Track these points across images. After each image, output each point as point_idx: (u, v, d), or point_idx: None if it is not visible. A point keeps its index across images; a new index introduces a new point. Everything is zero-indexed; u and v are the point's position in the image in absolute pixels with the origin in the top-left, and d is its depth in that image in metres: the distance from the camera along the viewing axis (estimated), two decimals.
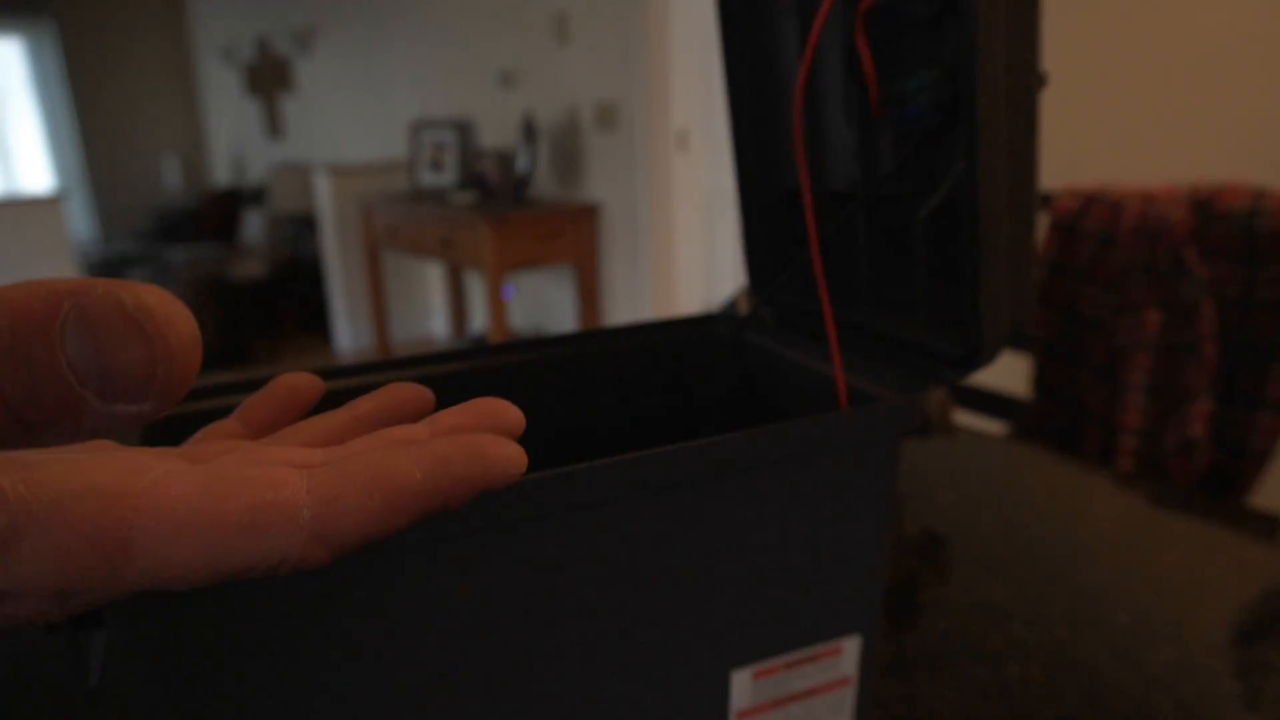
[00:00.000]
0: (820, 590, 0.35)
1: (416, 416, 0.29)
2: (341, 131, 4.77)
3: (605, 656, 0.32)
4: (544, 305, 3.58)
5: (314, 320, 4.59)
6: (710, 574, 0.33)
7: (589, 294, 3.23)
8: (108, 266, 5.01)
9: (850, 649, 0.37)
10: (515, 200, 3.26)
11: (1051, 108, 1.88)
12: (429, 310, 4.37)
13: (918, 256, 0.36)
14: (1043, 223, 1.14)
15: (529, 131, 3.18)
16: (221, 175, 6.49)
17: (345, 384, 0.41)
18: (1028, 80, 0.30)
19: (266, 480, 0.18)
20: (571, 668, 0.31)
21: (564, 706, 0.32)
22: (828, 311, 0.36)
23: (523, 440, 0.45)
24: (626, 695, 0.33)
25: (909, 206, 0.36)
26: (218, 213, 5.63)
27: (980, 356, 0.33)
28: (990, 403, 1.24)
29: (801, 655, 0.36)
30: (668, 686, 0.34)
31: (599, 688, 0.33)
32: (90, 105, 6.20)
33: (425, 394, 0.29)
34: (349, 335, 4.12)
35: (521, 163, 3.22)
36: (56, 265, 3.31)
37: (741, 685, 0.35)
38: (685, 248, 3.13)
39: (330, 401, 0.40)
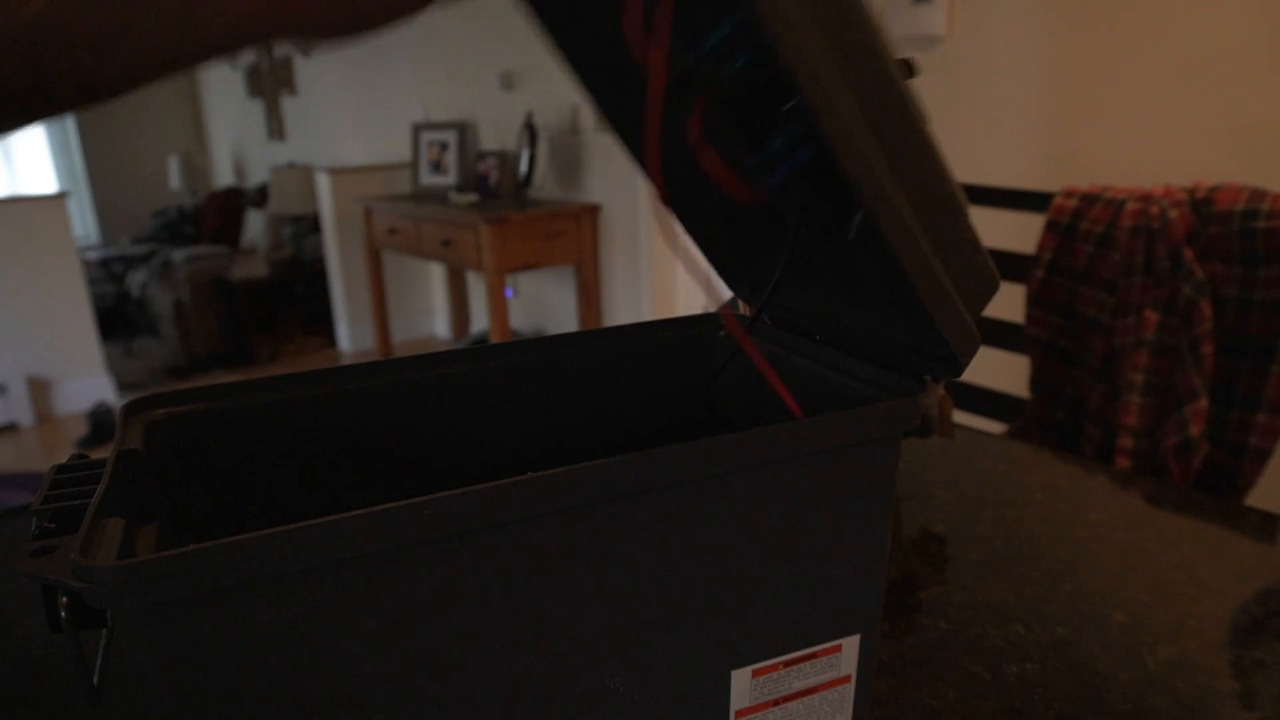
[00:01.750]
0: (820, 590, 0.35)
1: None
2: (343, 133, 4.77)
3: (606, 654, 0.32)
4: (544, 306, 3.58)
5: (316, 321, 4.59)
6: (710, 573, 0.33)
7: (589, 294, 3.24)
8: (110, 267, 5.01)
9: (850, 648, 0.37)
10: (516, 201, 3.26)
11: (1051, 108, 1.88)
12: (431, 311, 4.38)
13: (870, 268, 0.36)
14: (1040, 223, 1.14)
15: (530, 133, 3.18)
16: (223, 176, 6.50)
17: (347, 386, 0.41)
18: (882, 80, 0.29)
19: None
20: (573, 665, 0.32)
21: (566, 703, 0.32)
22: (741, 340, 0.36)
23: (523, 441, 0.45)
24: (628, 693, 0.33)
25: (841, 225, 0.36)
26: (220, 214, 5.64)
27: (959, 353, 0.33)
28: (990, 403, 1.24)
29: (802, 654, 0.36)
30: (669, 684, 0.34)
31: (601, 685, 0.33)
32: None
33: None
34: (351, 336, 4.13)
35: (522, 164, 3.22)
36: (61, 263, 3.31)
37: (741, 684, 0.35)
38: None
39: (333, 406, 0.41)
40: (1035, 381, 1.18)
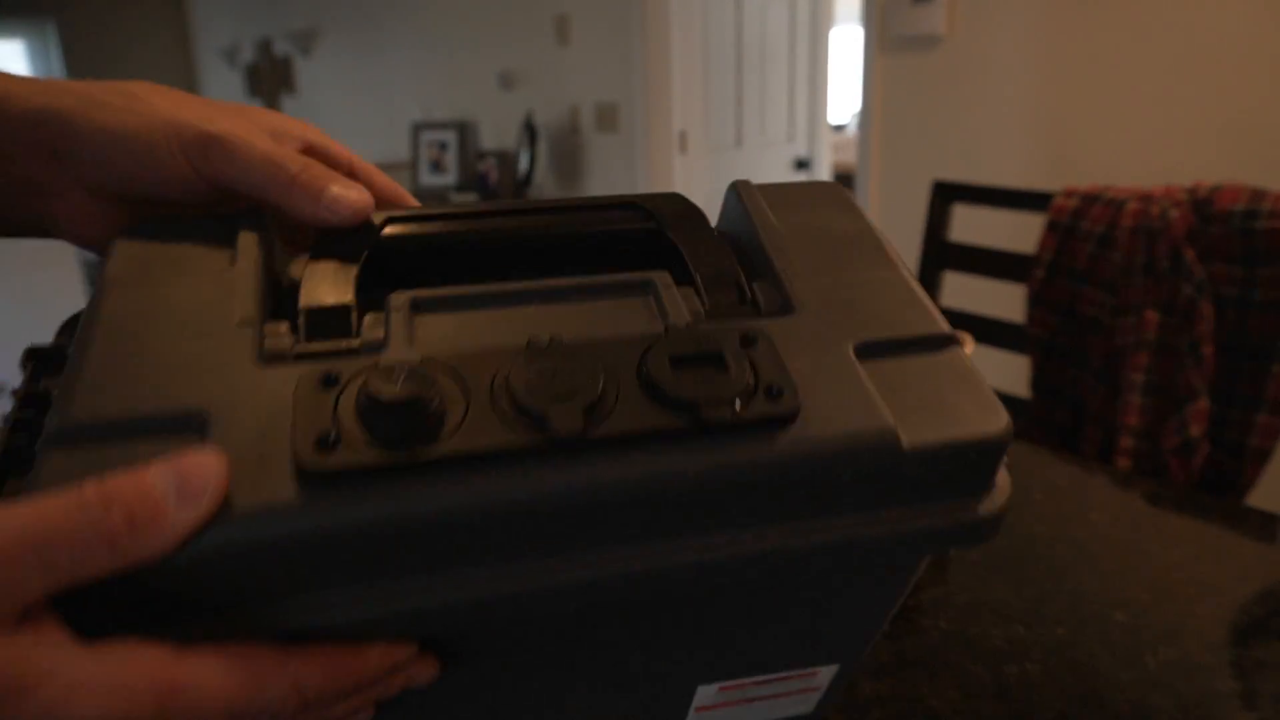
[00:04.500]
0: (812, 643, 0.34)
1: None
2: (343, 132, 4.76)
3: (574, 672, 0.31)
4: None
5: None
6: (696, 632, 0.31)
7: None
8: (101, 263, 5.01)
9: (826, 673, 0.36)
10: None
11: (1051, 108, 1.88)
12: None
13: None
14: (1040, 223, 1.14)
15: (529, 132, 3.18)
16: None
17: None
18: None
19: None
20: (531, 683, 0.31)
21: (524, 707, 0.32)
22: None
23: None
24: (589, 700, 0.33)
25: None
26: None
27: None
28: None
29: (774, 676, 0.35)
30: (632, 697, 0.34)
31: (562, 696, 0.32)
32: None
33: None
34: None
35: (522, 163, 3.22)
36: (61, 263, 3.31)
37: (705, 694, 0.34)
38: None
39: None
40: (1035, 381, 1.18)
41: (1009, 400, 1.22)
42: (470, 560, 0.24)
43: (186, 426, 0.23)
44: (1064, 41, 1.83)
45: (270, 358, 0.26)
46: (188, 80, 6.52)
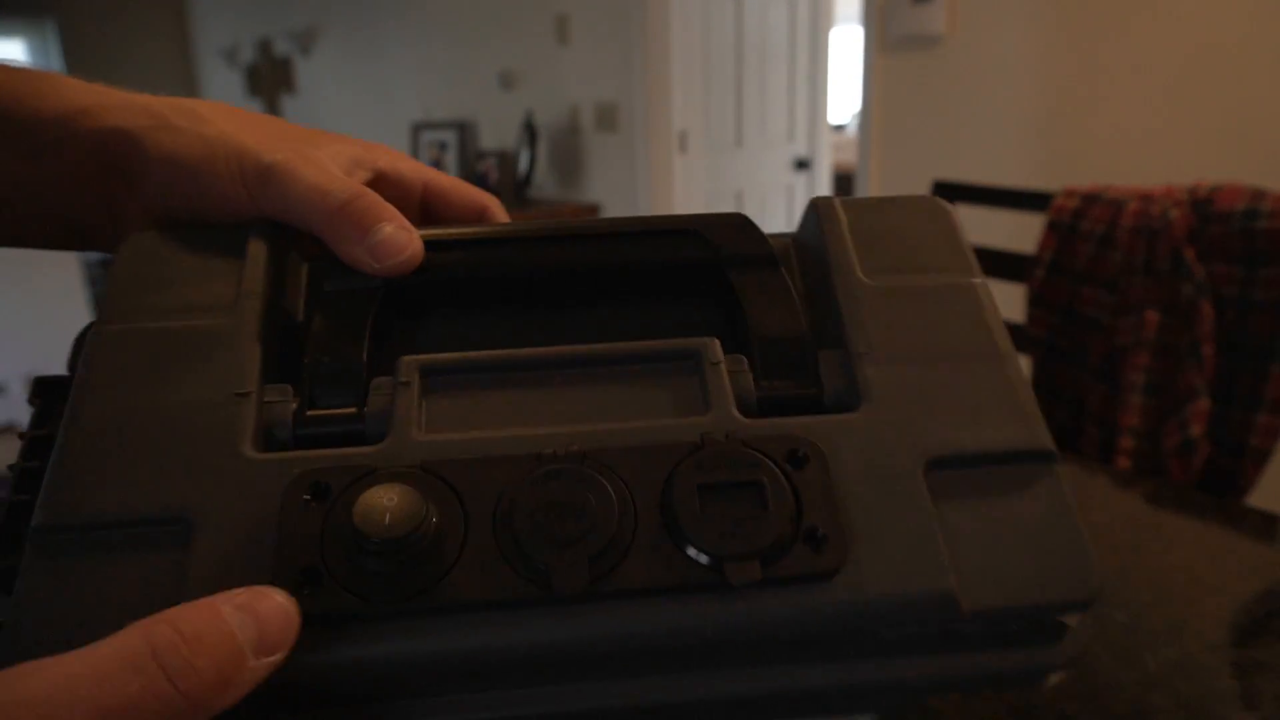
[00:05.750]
0: (852, 701, 0.33)
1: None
2: (342, 132, 4.76)
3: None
4: None
5: None
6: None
7: None
8: (108, 267, 5.00)
9: (862, 718, 0.34)
10: (516, 201, 3.26)
11: (1051, 108, 1.88)
12: None
13: None
14: (1040, 223, 1.14)
15: (529, 132, 3.18)
16: None
17: None
18: None
19: None
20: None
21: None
22: None
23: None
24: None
25: None
26: None
27: None
28: None
29: None
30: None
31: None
32: None
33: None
34: None
35: (522, 163, 3.22)
36: (61, 263, 3.31)
37: None
38: None
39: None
40: (1036, 381, 1.18)
41: None
42: (469, 689, 0.23)
43: (171, 529, 0.22)
44: (1064, 41, 1.83)
45: (267, 437, 0.25)
46: (188, 80, 6.51)
